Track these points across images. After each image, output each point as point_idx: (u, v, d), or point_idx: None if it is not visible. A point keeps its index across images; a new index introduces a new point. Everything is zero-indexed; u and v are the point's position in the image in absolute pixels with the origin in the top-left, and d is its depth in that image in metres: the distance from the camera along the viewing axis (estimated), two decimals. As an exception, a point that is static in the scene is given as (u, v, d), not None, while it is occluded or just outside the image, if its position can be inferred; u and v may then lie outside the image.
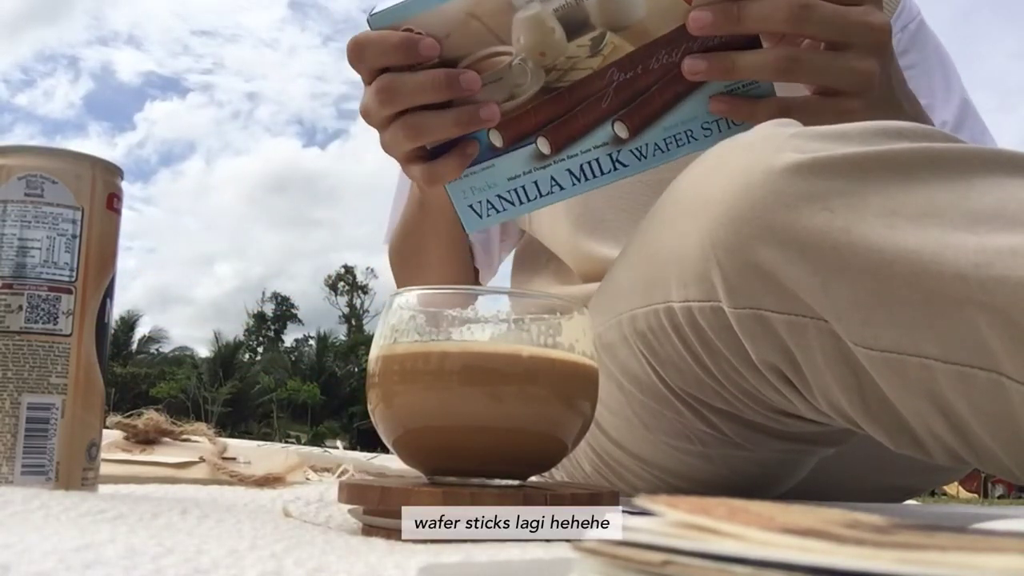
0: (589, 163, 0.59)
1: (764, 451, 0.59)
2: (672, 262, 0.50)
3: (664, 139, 0.58)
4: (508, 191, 0.60)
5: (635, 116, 0.58)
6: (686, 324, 0.50)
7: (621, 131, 0.58)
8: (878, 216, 0.42)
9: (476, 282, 0.90)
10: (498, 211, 0.60)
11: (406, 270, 0.87)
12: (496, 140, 0.59)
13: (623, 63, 0.57)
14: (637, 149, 0.59)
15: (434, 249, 0.82)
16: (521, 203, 0.60)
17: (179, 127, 65.43)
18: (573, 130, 0.59)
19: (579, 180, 0.59)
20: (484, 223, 0.61)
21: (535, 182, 0.60)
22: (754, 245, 0.44)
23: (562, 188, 0.59)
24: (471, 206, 0.60)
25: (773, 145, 0.45)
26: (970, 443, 0.43)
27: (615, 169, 0.59)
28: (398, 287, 0.89)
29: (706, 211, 0.47)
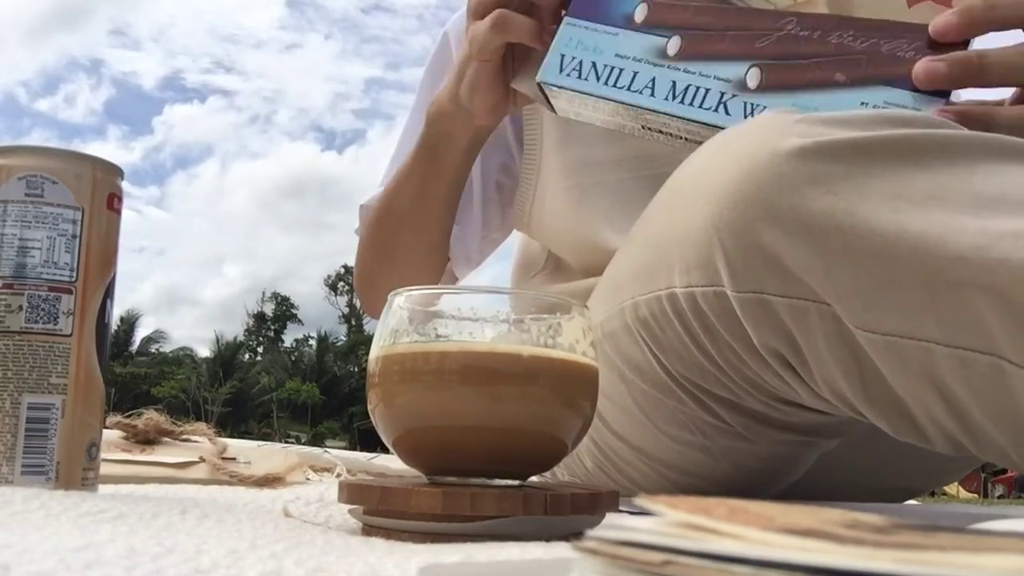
0: (698, 88, 0.54)
1: (765, 442, 0.59)
2: (675, 247, 0.50)
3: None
4: (605, 65, 0.56)
5: (777, 73, 0.53)
6: (689, 310, 0.50)
7: (752, 79, 0.53)
8: (882, 199, 0.42)
9: (444, 272, 0.89)
10: (580, 77, 0.56)
11: (385, 231, 0.85)
12: (640, 14, 0.55)
13: (806, 20, 0.52)
14: (751, 104, 0.53)
15: (433, 199, 0.81)
16: (607, 84, 0.55)
17: (197, 131, 65.54)
18: (711, 49, 0.54)
19: (674, 98, 0.54)
20: (558, 79, 0.57)
21: (635, 72, 0.55)
22: (758, 227, 0.44)
23: (652, 96, 0.55)
24: (563, 55, 0.57)
25: (778, 129, 0.45)
26: (970, 429, 0.43)
27: (716, 112, 0.54)
28: (366, 264, 0.87)
29: (711, 194, 0.47)
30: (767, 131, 0.46)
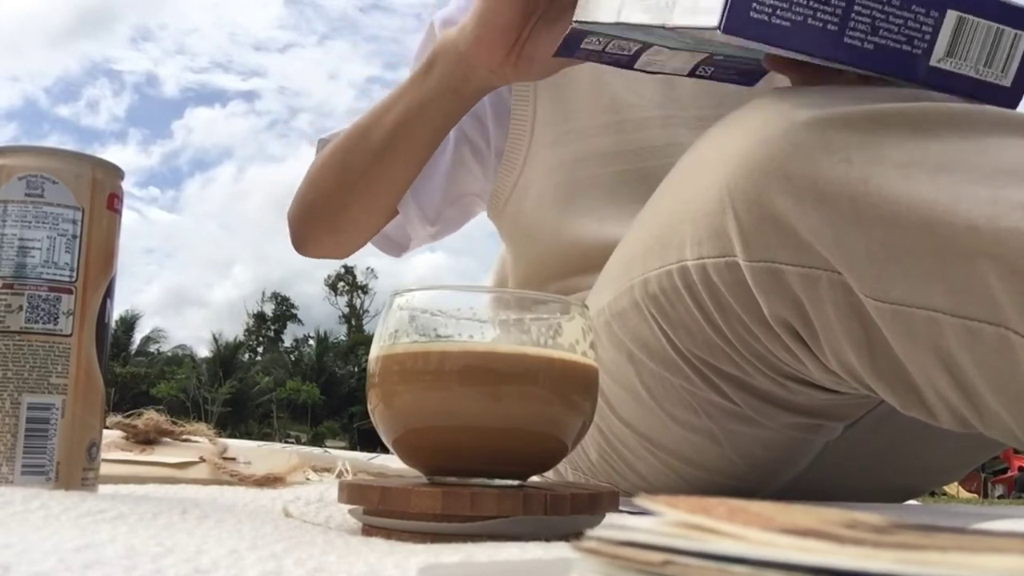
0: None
1: (771, 426, 0.59)
2: (687, 220, 0.50)
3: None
4: None
5: None
6: (699, 282, 0.50)
7: None
8: (895, 168, 0.43)
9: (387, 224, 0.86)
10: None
11: (354, 154, 0.80)
12: None
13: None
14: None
15: (413, 148, 0.77)
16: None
17: (216, 135, 65.24)
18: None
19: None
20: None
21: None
22: (772, 195, 0.45)
23: None
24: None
25: (792, 101, 0.46)
26: (975, 402, 0.43)
27: None
28: (321, 188, 0.84)
29: (725, 164, 0.47)
30: (781, 103, 0.46)
